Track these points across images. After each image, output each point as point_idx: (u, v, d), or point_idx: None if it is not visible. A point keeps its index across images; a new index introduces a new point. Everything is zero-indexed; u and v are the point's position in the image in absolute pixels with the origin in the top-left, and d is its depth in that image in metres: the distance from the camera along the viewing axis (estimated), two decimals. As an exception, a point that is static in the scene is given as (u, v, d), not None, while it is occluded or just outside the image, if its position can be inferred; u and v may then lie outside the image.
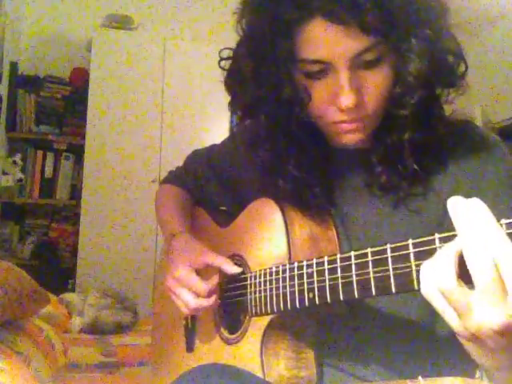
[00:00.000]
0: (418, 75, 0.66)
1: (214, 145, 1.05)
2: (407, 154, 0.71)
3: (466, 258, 0.45)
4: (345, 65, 0.65)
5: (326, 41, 0.63)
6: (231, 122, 3.62)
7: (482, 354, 0.50)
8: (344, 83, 0.65)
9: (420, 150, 0.71)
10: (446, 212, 0.71)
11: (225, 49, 0.78)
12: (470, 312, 0.46)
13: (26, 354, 1.19)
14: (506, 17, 3.34)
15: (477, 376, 0.76)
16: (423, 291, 0.49)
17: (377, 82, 0.67)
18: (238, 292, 0.81)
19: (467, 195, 0.69)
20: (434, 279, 0.47)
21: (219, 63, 0.78)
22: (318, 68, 0.67)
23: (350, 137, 0.72)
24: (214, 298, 0.81)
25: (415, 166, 0.71)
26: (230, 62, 0.77)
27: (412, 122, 0.69)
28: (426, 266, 0.49)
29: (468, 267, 0.45)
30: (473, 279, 0.45)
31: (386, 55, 0.66)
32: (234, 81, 0.76)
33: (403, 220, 0.74)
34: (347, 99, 0.66)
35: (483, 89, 3.28)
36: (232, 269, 0.81)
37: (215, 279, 0.81)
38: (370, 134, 0.73)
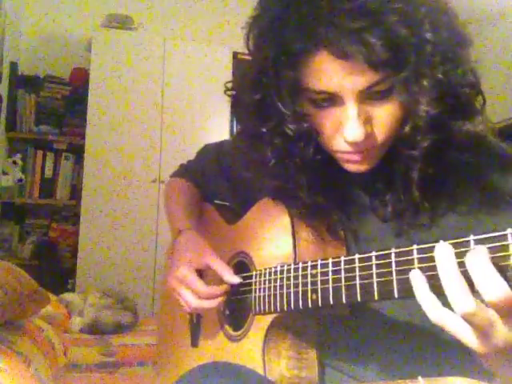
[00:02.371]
0: (428, 119, 0.62)
1: (225, 141, 1.05)
2: (414, 185, 0.68)
3: (474, 280, 0.45)
4: (353, 97, 0.62)
5: (332, 74, 0.61)
6: (231, 121, 3.63)
7: (502, 365, 0.50)
8: (352, 116, 0.63)
9: (428, 180, 0.67)
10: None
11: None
12: (493, 328, 0.45)
13: (25, 354, 1.19)
14: (506, 17, 3.34)
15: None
16: (434, 319, 0.48)
17: (386, 114, 0.64)
18: (243, 289, 0.81)
19: (485, 216, 0.67)
20: (454, 306, 0.46)
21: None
22: (325, 96, 0.64)
23: (356, 167, 0.70)
24: (217, 301, 0.81)
25: (420, 199, 0.68)
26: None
27: (421, 161, 0.65)
28: (425, 293, 0.48)
29: (479, 289, 0.45)
30: (485, 299, 0.44)
31: (397, 86, 0.62)
32: (239, 110, 0.75)
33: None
34: (354, 133, 0.63)
35: (483, 89, 3.27)
36: (231, 278, 0.80)
37: (223, 287, 0.81)
38: (375, 163, 0.70)
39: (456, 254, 0.47)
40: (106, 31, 3.21)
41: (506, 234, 0.45)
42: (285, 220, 0.76)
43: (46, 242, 3.22)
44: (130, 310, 2.18)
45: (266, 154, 0.71)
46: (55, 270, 3.11)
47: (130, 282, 2.97)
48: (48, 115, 3.24)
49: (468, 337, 0.48)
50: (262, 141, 0.70)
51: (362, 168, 0.69)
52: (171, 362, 1.02)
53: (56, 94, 3.27)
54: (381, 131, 0.65)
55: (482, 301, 0.45)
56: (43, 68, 3.36)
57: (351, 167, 0.70)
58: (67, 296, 2.23)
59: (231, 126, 3.31)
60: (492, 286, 0.44)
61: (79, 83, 3.29)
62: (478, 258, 0.45)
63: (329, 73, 0.61)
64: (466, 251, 0.46)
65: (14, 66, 3.20)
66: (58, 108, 3.27)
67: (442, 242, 0.49)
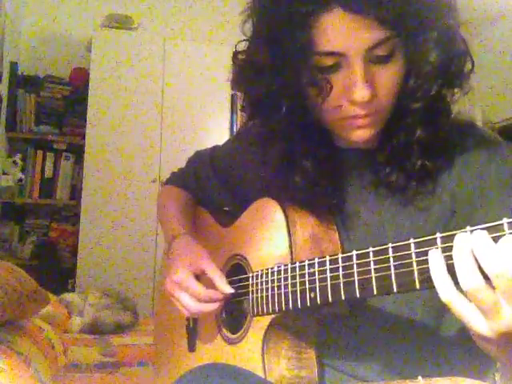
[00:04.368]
0: (434, 65, 0.66)
1: (217, 146, 1.05)
2: (415, 153, 0.71)
3: (480, 262, 0.46)
4: (359, 57, 0.65)
5: (342, 31, 0.63)
6: (231, 121, 3.64)
7: (506, 352, 0.51)
8: (358, 76, 0.65)
9: (427, 148, 0.71)
10: (449, 211, 0.72)
11: (242, 41, 0.76)
12: (497, 311, 0.47)
13: (25, 354, 1.19)
14: (506, 17, 3.34)
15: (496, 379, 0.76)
16: (444, 297, 0.50)
17: (389, 76, 0.67)
18: (240, 292, 0.81)
19: (471, 194, 0.71)
20: (460, 280, 0.48)
21: (233, 58, 0.77)
22: (332, 61, 0.66)
23: (361, 132, 0.71)
24: (216, 304, 0.80)
25: (426, 162, 0.71)
26: (243, 55, 0.76)
27: (421, 118, 0.69)
28: (442, 272, 0.50)
29: (485, 270, 0.46)
30: (492, 281, 0.46)
31: (399, 51, 0.66)
32: (249, 74, 0.75)
33: (409, 219, 0.74)
34: (362, 92, 0.65)
35: (483, 89, 3.28)
36: (224, 287, 0.80)
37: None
38: (378, 130, 0.72)
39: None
40: (106, 31, 3.21)
41: None
42: (280, 219, 0.76)
43: (45, 242, 3.23)
44: (130, 310, 2.18)
45: (273, 119, 0.73)
46: (55, 269, 3.11)
47: (130, 282, 2.97)
48: (48, 115, 3.25)
49: (472, 318, 0.49)
50: (270, 103, 0.72)
51: (366, 134, 0.71)
52: (169, 367, 1.01)
53: (56, 94, 3.27)
54: (385, 92, 0.68)
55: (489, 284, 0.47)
56: (43, 68, 3.36)
57: (356, 134, 0.72)
58: (67, 296, 2.23)
59: (231, 126, 3.31)
60: (494, 264, 0.46)
61: (79, 83, 3.29)
62: (481, 240, 0.47)
63: (338, 30, 0.63)
64: (501, 236, 0.47)
65: (14, 65, 3.20)
66: (58, 108, 3.28)
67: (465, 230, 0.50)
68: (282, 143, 0.75)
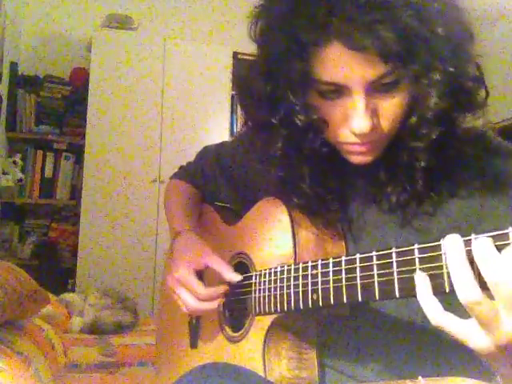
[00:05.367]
0: (436, 112, 0.63)
1: (225, 142, 1.05)
2: (417, 175, 0.69)
3: (481, 271, 0.45)
4: (361, 89, 0.62)
5: (342, 65, 0.61)
6: (231, 122, 3.63)
7: (504, 363, 0.50)
8: (359, 108, 0.63)
9: (431, 171, 0.68)
10: (453, 229, 0.70)
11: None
12: (498, 323, 0.46)
13: (25, 354, 1.19)
14: (505, 17, 3.34)
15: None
16: (434, 321, 0.49)
17: (393, 105, 0.65)
18: (243, 290, 0.81)
19: (476, 221, 0.69)
20: (459, 292, 0.46)
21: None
22: (333, 88, 0.65)
23: (360, 158, 0.70)
24: (215, 303, 0.80)
25: (424, 188, 0.69)
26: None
27: (426, 152, 0.66)
28: (429, 295, 0.49)
29: (485, 279, 0.45)
30: (492, 291, 0.45)
31: (405, 79, 0.63)
32: (247, 101, 0.74)
33: (409, 238, 0.72)
34: (362, 125, 0.63)
35: (483, 89, 3.27)
36: (232, 276, 0.80)
37: (222, 288, 0.81)
38: (380, 154, 0.71)
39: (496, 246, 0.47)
40: (106, 31, 3.21)
41: None
42: (284, 220, 0.76)
43: (46, 242, 3.22)
44: (130, 310, 2.18)
45: (273, 145, 0.71)
46: (55, 269, 3.11)
47: (130, 281, 2.97)
48: (48, 115, 3.25)
49: (471, 336, 0.48)
50: (270, 132, 0.71)
51: (366, 159, 0.70)
52: (171, 363, 1.02)
53: (56, 93, 3.27)
54: (387, 123, 0.66)
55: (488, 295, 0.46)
56: (43, 68, 3.36)
57: (356, 158, 0.71)
58: (67, 296, 2.23)
59: (231, 126, 3.31)
60: (496, 272, 0.45)
61: (79, 83, 3.29)
62: (484, 247, 0.45)
63: (339, 64, 0.61)
64: (506, 244, 0.46)
65: (13, 65, 3.20)
66: (58, 108, 3.27)
67: (453, 235, 0.49)
68: (287, 160, 0.73)
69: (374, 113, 0.64)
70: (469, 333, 0.48)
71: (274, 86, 0.67)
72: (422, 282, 0.50)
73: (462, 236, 0.48)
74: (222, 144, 1.05)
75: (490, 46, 3.40)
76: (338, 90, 0.64)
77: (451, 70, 0.61)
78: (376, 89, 0.63)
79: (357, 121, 0.64)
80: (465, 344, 0.50)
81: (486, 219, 0.69)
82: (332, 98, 0.66)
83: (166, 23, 3.63)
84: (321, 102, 0.67)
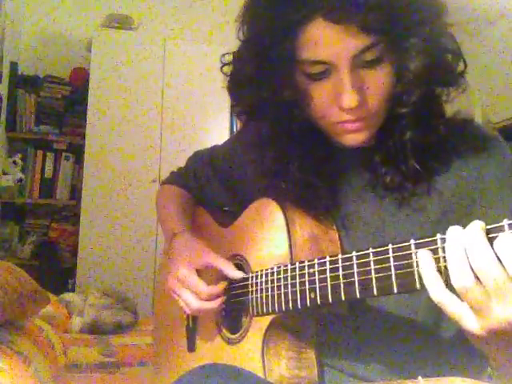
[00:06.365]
0: (417, 73, 0.66)
1: (216, 146, 1.05)
2: (409, 154, 0.71)
3: (472, 261, 0.48)
4: (346, 64, 0.65)
5: (326, 41, 0.64)
6: (231, 122, 3.63)
7: (498, 350, 0.52)
8: (346, 83, 0.66)
9: (422, 149, 0.71)
10: (447, 210, 0.72)
11: (226, 54, 0.78)
12: (488, 310, 0.48)
13: (25, 354, 1.19)
14: (505, 17, 3.34)
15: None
16: (435, 297, 0.51)
17: (378, 81, 0.67)
18: (240, 292, 0.81)
19: (470, 193, 0.71)
20: (452, 278, 0.49)
21: (221, 69, 0.78)
22: (319, 69, 0.67)
23: (354, 137, 0.72)
24: (218, 301, 0.81)
25: (418, 166, 0.71)
26: (231, 66, 0.77)
27: (412, 121, 0.69)
28: (432, 271, 0.51)
29: (474, 268, 0.48)
30: (481, 280, 0.47)
31: (387, 54, 0.66)
32: (236, 84, 0.76)
33: (407, 219, 0.74)
34: (350, 99, 0.66)
35: (483, 89, 3.28)
36: (234, 273, 0.80)
37: (222, 285, 0.81)
38: (373, 133, 0.73)
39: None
40: (106, 31, 3.21)
41: None
42: (279, 219, 0.76)
43: (46, 242, 3.22)
44: (130, 310, 2.18)
45: (262, 126, 0.75)
46: (55, 269, 3.11)
47: (130, 281, 2.97)
48: (48, 115, 3.25)
49: (464, 317, 0.51)
50: (258, 113, 0.74)
51: (360, 138, 0.72)
52: (168, 366, 1.01)
53: (56, 93, 3.27)
54: (374, 98, 0.68)
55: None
56: (43, 68, 3.36)
57: (349, 138, 0.72)
58: (67, 296, 2.23)
59: (231, 126, 3.31)
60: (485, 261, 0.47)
61: (79, 83, 3.29)
62: (475, 236, 0.48)
63: (323, 40, 0.64)
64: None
65: (14, 65, 3.20)
66: (58, 108, 3.27)
67: (455, 226, 0.51)
68: (278, 145, 0.76)
69: (361, 88, 0.67)
70: (462, 315, 0.51)
71: (261, 67, 0.69)
72: (426, 258, 0.52)
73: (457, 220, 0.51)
74: (214, 148, 1.05)
75: (490, 45, 3.41)
76: (324, 71, 0.67)
77: (428, 31, 0.65)
78: (360, 66, 0.66)
79: (344, 96, 0.66)
80: (459, 324, 0.52)
81: (477, 202, 0.71)
82: (320, 78, 0.68)
83: (166, 23, 3.63)
84: (308, 83, 0.69)
